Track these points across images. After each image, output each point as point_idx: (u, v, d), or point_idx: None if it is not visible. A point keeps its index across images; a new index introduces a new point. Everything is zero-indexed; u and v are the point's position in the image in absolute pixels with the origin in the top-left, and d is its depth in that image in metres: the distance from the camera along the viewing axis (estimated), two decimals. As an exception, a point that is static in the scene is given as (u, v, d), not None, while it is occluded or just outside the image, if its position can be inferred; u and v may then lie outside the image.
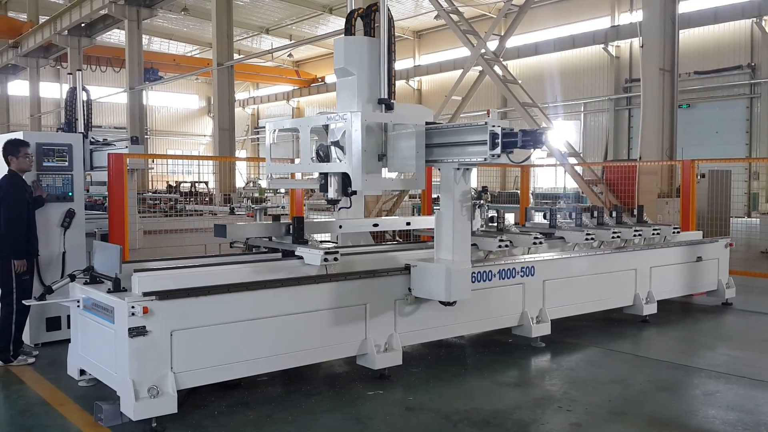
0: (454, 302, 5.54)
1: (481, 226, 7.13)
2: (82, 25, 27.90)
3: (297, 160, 5.82)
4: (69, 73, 9.73)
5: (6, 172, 6.19)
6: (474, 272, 5.99)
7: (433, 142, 5.35)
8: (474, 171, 6.02)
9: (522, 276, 6.58)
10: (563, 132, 27.23)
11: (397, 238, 11.69)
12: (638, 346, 6.95)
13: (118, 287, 4.77)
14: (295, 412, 4.87)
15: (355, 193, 5.36)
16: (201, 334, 4.69)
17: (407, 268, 5.68)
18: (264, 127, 6.01)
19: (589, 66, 30.29)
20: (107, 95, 31.89)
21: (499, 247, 6.43)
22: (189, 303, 4.65)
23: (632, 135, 28.51)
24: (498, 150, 4.84)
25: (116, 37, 34.88)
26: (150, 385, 4.44)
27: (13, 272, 5.97)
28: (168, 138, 47.92)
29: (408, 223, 8.04)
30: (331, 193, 5.42)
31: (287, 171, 6.49)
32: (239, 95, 46.13)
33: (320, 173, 5.53)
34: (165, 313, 4.53)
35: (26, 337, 6.41)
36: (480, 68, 14.68)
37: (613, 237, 7.62)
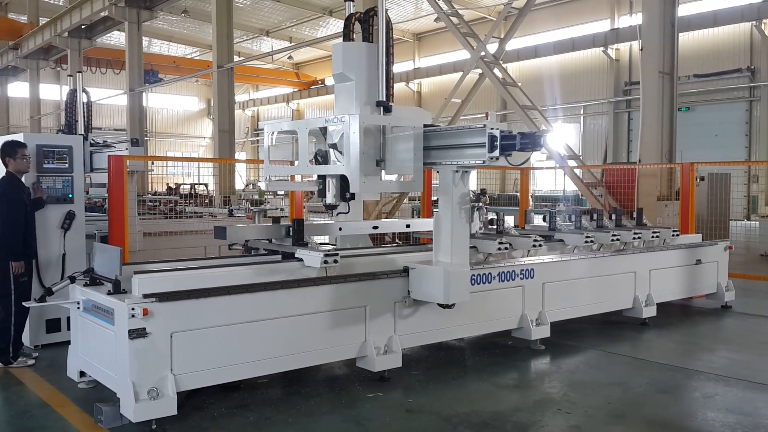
0: (453, 305, 5.55)
1: (480, 228, 7.14)
2: (83, 26, 27.94)
3: (296, 163, 5.83)
4: (69, 75, 9.74)
5: (4, 174, 6.20)
6: (473, 274, 6.00)
7: (431, 144, 5.37)
8: (473, 173, 6.03)
9: (521, 278, 6.59)
10: (563, 134, 27.23)
11: (397, 241, 11.70)
12: (638, 348, 6.95)
13: (118, 289, 4.78)
14: (294, 414, 4.87)
15: (353, 197, 5.37)
16: (201, 336, 4.70)
17: (406, 271, 5.69)
18: (263, 129, 6.02)
19: (589, 69, 30.32)
20: (107, 97, 31.96)
21: (499, 249, 6.44)
22: (189, 305, 4.66)
23: (632, 138, 28.54)
24: (496, 153, 4.86)
25: (116, 38, 34.93)
26: (150, 387, 4.44)
27: (11, 274, 5.98)
28: (168, 140, 47.95)
29: (408, 226, 8.06)
30: (330, 197, 5.43)
31: (286, 173, 6.50)
32: (239, 97, 46.15)
33: (319, 177, 5.55)
34: (165, 314, 4.54)
35: (26, 338, 6.42)
36: (480, 71, 14.72)
37: (612, 240, 7.63)
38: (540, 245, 6.90)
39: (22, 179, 6.28)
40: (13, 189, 6.08)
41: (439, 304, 5.56)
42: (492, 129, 4.87)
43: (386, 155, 5.35)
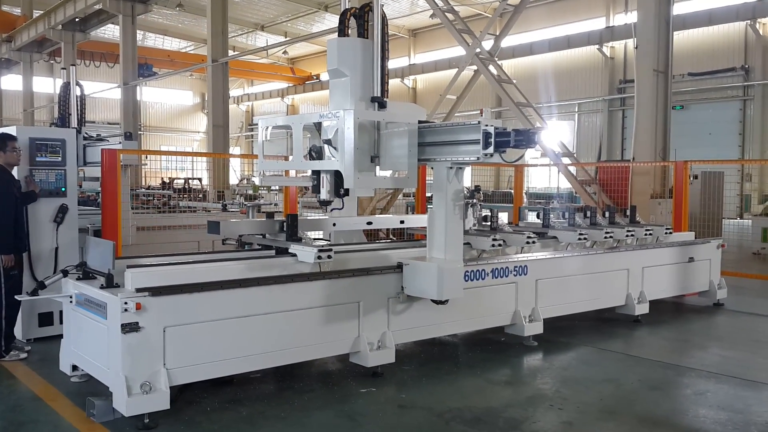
0: (446, 301, 5.56)
1: (474, 225, 7.15)
2: (77, 19, 27.85)
3: (291, 158, 5.82)
4: (63, 68, 9.71)
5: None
6: (467, 271, 6.01)
7: (425, 140, 5.37)
8: (468, 170, 6.04)
9: (515, 275, 6.61)
10: (557, 132, 27.31)
11: (391, 237, 11.70)
12: (630, 345, 6.98)
13: (111, 283, 4.76)
14: (287, 409, 4.88)
15: (347, 193, 5.37)
16: (194, 330, 4.70)
17: (400, 267, 5.70)
18: (257, 124, 6.01)
19: (584, 66, 30.38)
20: (101, 90, 31.85)
21: (492, 246, 6.45)
22: (182, 299, 4.66)
23: (626, 136, 28.63)
24: (491, 149, 4.86)
25: (110, 32, 34.81)
26: (142, 381, 4.44)
27: (1, 267, 5.96)
28: (162, 134, 47.86)
29: (402, 222, 8.06)
30: (324, 194, 5.42)
31: (280, 168, 6.49)
32: (234, 92, 46.06)
33: (313, 173, 5.54)
34: (158, 309, 4.53)
35: (18, 332, 6.39)
36: (475, 67, 14.70)
37: (605, 237, 7.65)
38: (533, 242, 6.91)
39: (13, 172, 6.25)
40: (2, 182, 6.04)
41: (433, 300, 5.57)
42: (487, 126, 4.87)
43: (381, 151, 5.34)
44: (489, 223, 7.28)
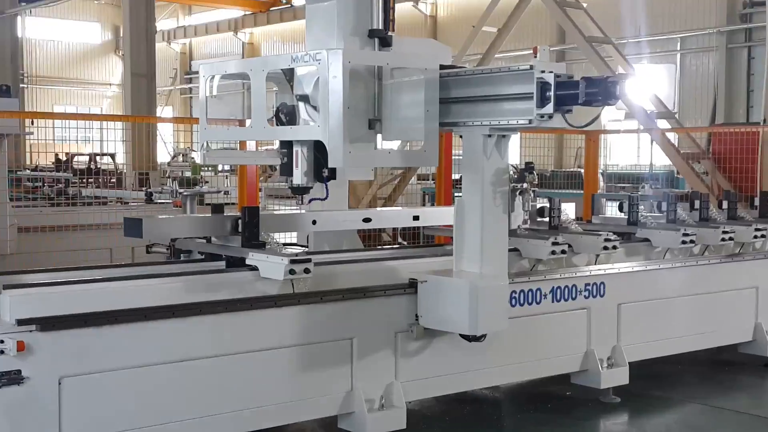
0: (483, 336, 5.57)
1: (525, 221, 7.16)
2: None
3: (248, 123, 5.83)
4: None
5: None
6: (513, 291, 6.02)
7: (451, 95, 5.38)
8: (515, 139, 6.04)
9: (586, 297, 6.62)
10: (649, 81, 27.26)
11: (399, 240, 11.73)
12: (761, 401, 7.00)
13: (-21, 312, 4.78)
14: (245, 500, 4.90)
15: (333, 175, 5.37)
16: (105, 381, 4.70)
17: (413, 285, 5.71)
18: (198, 73, 6.02)
19: (690, -18, 30.29)
20: (-36, 23, 31.89)
21: (553, 253, 6.45)
22: (87, 336, 4.66)
23: (753, 86, 28.52)
24: (550, 108, 4.86)
25: (-23, -65, 34.82)
26: (28, 459, 4.46)
27: None
28: (56, 88, 47.95)
29: (416, 218, 8.07)
30: (298, 176, 5.43)
31: (233, 138, 6.49)
32: (162, 24, 46.11)
33: (281, 145, 5.54)
34: (51, 350, 4.54)
35: None
36: (525, -15, 14.70)
37: (723, 239, 7.64)
38: (614, 247, 6.91)
39: None
40: None
41: (463, 336, 5.58)
42: (543, 72, 4.87)
43: (383, 112, 5.35)
44: (547, 219, 7.29)
